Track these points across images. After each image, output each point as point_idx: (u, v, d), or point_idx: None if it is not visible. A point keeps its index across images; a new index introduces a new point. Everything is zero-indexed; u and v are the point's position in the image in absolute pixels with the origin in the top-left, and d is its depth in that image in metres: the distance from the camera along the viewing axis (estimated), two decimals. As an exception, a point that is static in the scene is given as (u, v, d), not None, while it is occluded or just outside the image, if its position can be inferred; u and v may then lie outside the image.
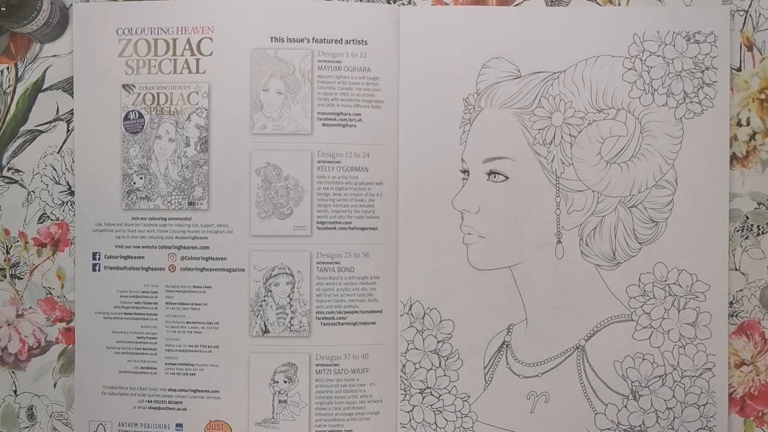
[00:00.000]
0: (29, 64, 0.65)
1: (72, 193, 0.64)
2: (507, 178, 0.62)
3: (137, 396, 0.63)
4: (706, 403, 0.62)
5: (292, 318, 0.62)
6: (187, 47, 0.63)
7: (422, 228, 0.63)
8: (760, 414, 0.63)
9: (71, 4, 0.64)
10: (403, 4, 0.64)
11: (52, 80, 0.65)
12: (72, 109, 0.64)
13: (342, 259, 0.62)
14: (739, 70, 0.63)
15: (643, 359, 0.62)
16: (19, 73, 0.65)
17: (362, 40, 0.63)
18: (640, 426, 0.62)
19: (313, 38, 0.63)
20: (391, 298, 0.63)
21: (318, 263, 0.62)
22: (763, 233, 0.63)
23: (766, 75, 0.63)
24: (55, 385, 0.64)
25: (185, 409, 0.63)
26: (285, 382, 0.62)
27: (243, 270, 0.63)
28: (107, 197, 0.63)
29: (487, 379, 0.63)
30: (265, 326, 0.62)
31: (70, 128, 0.64)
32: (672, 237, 0.62)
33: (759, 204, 0.63)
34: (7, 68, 0.65)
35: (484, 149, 0.63)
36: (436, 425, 0.63)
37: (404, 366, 0.63)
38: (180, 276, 0.63)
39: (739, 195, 0.63)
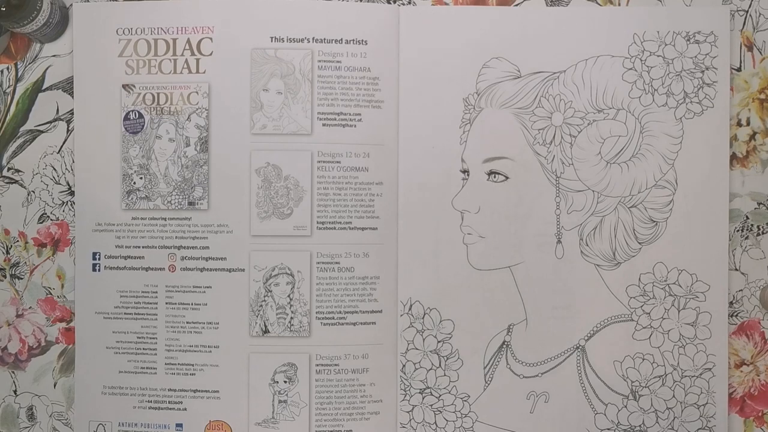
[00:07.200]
0: (29, 64, 0.65)
1: (72, 193, 0.64)
2: (507, 178, 0.62)
3: (137, 396, 0.63)
4: (706, 403, 0.62)
5: (292, 318, 0.62)
6: (187, 47, 0.63)
7: (422, 228, 0.63)
8: (760, 414, 0.63)
9: (71, 4, 0.64)
10: (403, 4, 0.64)
11: (52, 80, 0.65)
12: (72, 109, 0.64)
13: (342, 259, 0.62)
14: (739, 70, 0.63)
15: (643, 359, 0.62)
16: (19, 73, 0.65)
17: (362, 40, 0.63)
18: (640, 426, 0.62)
19: (313, 38, 0.63)
20: (391, 298, 0.63)
21: (318, 263, 0.62)
22: (763, 233, 0.63)
23: (766, 75, 0.63)
24: (55, 385, 0.64)
25: (185, 409, 0.63)
26: (285, 382, 0.62)
27: (243, 270, 0.63)
28: (107, 197, 0.63)
29: (487, 379, 0.63)
30: (265, 326, 0.62)
31: (70, 128, 0.64)
32: (672, 237, 0.62)
33: (759, 204, 0.63)
34: (7, 68, 0.65)
35: (484, 149, 0.63)
36: (436, 425, 0.63)
37: (404, 366, 0.63)
38: (180, 276, 0.63)
39: (739, 195, 0.63)
